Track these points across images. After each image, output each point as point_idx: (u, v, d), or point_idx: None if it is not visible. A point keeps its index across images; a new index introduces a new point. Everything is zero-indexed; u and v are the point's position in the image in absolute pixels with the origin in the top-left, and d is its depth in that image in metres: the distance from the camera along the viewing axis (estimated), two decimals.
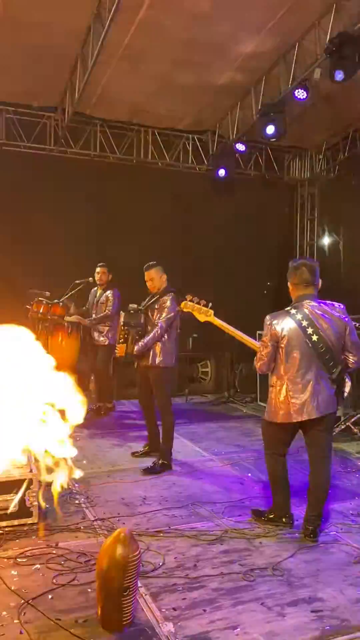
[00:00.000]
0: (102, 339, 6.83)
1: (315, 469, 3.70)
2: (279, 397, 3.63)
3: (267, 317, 3.67)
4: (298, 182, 10.41)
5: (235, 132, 8.60)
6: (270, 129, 7.35)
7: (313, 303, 3.64)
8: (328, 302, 3.72)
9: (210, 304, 4.01)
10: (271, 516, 3.84)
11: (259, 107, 7.59)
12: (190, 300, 4.07)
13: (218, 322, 3.96)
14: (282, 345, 3.58)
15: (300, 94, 6.87)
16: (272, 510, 3.87)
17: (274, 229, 9.46)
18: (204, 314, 3.98)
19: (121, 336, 5.26)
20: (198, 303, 4.04)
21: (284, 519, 3.81)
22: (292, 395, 3.58)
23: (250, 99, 7.95)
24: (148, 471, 4.90)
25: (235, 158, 9.14)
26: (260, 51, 6.95)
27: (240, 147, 8.75)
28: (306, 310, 3.60)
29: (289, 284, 3.78)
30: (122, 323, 5.28)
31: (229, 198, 9.00)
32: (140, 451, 5.43)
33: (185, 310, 4.12)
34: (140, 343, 5.02)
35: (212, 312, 3.96)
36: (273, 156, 9.91)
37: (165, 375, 5.14)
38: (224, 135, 9.08)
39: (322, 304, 3.66)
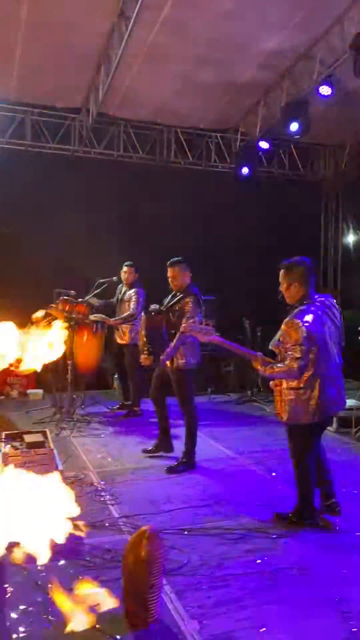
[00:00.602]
0: (124, 338, 6.85)
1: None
2: (316, 395, 3.58)
3: (293, 320, 3.54)
4: (322, 180, 10.31)
5: (258, 130, 8.55)
6: (294, 126, 7.28)
7: (320, 297, 3.71)
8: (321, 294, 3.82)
9: (212, 322, 4.00)
10: (295, 519, 3.81)
11: (283, 105, 7.54)
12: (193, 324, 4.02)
13: (218, 340, 3.87)
14: (314, 343, 3.53)
15: (325, 90, 6.79)
16: (297, 511, 3.83)
17: (298, 227, 9.36)
18: (205, 334, 3.90)
19: (145, 349, 5.19)
20: (201, 323, 3.97)
21: (309, 520, 3.78)
22: (328, 390, 3.60)
23: (273, 96, 7.90)
24: (171, 470, 4.91)
25: (258, 156, 9.09)
26: (283, 48, 6.89)
27: (264, 145, 8.69)
28: (321, 305, 3.64)
29: (293, 284, 3.67)
30: (144, 334, 5.23)
31: (252, 197, 8.95)
32: (150, 449, 5.41)
33: (186, 333, 4.17)
34: (162, 357, 4.96)
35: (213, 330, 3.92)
36: (297, 154, 9.83)
37: (188, 377, 5.09)
38: (247, 133, 9.04)
39: (323, 297, 3.76)
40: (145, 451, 5.40)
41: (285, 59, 7.19)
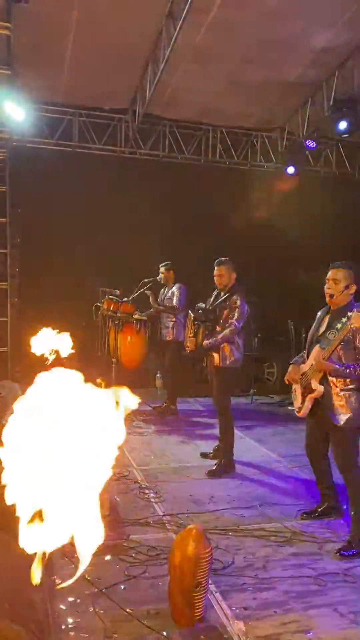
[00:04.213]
0: (168, 334, 6.87)
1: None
2: None
3: None
4: None
5: (305, 129, 8.45)
6: (342, 125, 7.16)
7: None
8: None
9: None
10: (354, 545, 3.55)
11: (331, 103, 7.42)
12: None
13: None
14: None
15: None
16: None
17: (345, 227, 9.18)
18: None
19: (191, 330, 5.22)
20: None
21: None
22: None
23: (321, 95, 7.79)
24: (211, 474, 4.86)
25: (304, 155, 8.97)
26: (332, 45, 6.78)
27: (311, 143, 8.58)
28: None
29: (351, 285, 3.62)
30: (192, 318, 5.25)
31: (297, 197, 8.85)
32: (210, 453, 5.37)
33: None
34: (211, 340, 4.97)
35: None
36: (344, 153, 9.65)
37: (233, 376, 5.10)
38: (293, 132, 8.94)
39: None
40: (203, 455, 5.39)
41: (335, 56, 7.08)
